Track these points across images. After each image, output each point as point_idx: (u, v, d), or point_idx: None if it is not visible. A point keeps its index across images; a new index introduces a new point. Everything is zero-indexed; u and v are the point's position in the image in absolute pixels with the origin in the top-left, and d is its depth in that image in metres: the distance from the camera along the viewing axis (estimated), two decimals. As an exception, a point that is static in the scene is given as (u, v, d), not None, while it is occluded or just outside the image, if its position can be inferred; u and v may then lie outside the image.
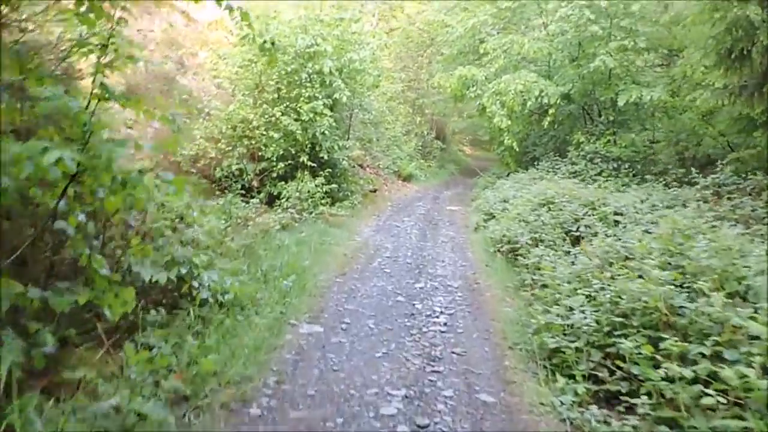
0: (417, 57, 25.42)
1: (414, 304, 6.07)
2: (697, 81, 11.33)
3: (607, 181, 12.42)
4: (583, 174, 12.90)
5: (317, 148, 11.55)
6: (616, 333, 3.99)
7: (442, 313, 5.82)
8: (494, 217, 10.27)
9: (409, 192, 17.72)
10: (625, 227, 6.66)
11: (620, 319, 4.04)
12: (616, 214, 7.10)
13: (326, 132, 11.27)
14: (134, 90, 11.04)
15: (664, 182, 11.19)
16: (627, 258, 5.33)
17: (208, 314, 4.53)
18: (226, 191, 10.86)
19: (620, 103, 12.45)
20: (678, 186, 10.91)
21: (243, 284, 5.39)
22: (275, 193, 10.88)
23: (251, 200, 9.61)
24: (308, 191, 10.38)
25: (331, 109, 12.03)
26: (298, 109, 11.03)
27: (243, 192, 10.78)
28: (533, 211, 8.46)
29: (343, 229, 10.06)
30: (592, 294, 4.64)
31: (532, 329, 4.77)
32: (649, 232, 6.05)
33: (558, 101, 13.74)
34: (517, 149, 14.26)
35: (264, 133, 10.55)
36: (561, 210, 7.74)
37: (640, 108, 13.70)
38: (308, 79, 11.37)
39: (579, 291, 4.83)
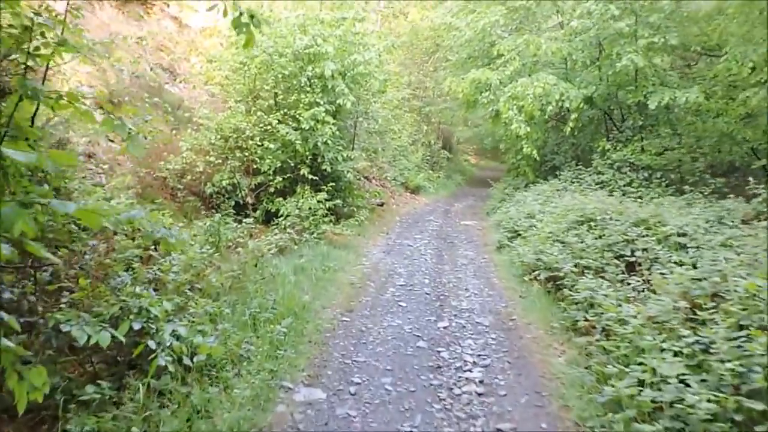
0: (422, 64, 24.38)
1: (439, 352, 4.88)
2: (739, 80, 10.18)
3: (638, 192, 11.27)
4: (611, 184, 11.72)
5: (319, 160, 10.42)
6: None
7: (475, 364, 4.63)
8: (520, 235, 9.08)
9: (418, 205, 16.56)
10: (694, 252, 5.46)
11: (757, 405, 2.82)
12: (679, 234, 5.91)
13: (329, 142, 10.14)
14: (116, 97, 9.95)
15: (701, 193, 10.03)
16: (715, 295, 4.15)
17: (169, 386, 3.35)
18: (217, 209, 9.75)
19: (651, 106, 11.27)
20: (720, 197, 9.76)
21: (224, 334, 4.23)
22: (273, 210, 9.74)
23: (246, 219, 8.45)
24: (309, 208, 9.21)
25: (334, 117, 10.91)
26: (298, 116, 9.91)
27: (236, 210, 9.66)
28: (570, 229, 7.28)
29: (349, 251, 8.89)
30: (685, 350, 3.45)
31: (603, 398, 3.57)
32: (729, 260, 4.85)
33: (581, 105, 12.58)
34: (537, 158, 13.09)
35: (259, 144, 9.41)
36: (605, 229, 6.55)
37: (670, 112, 12.55)
38: (308, 84, 10.26)
39: (664, 344, 3.64)
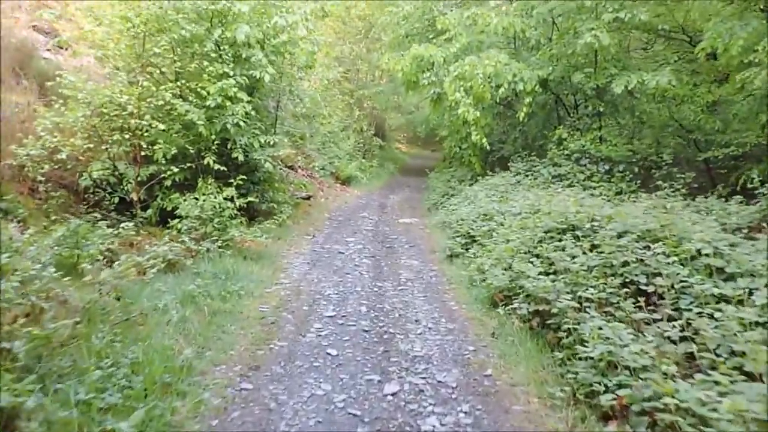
0: (355, 45, 22.44)
1: (390, 450, 3.13)
2: (725, 60, 8.94)
3: (599, 186, 9.94)
4: (569, 178, 10.35)
5: (229, 146, 8.41)
6: None
7: (447, 474, 2.90)
8: (476, 241, 7.45)
9: (350, 198, 14.74)
10: (734, 281, 3.95)
11: None
12: (701, 253, 4.39)
13: (241, 123, 8.15)
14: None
15: (672, 188, 8.82)
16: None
17: None
18: (96, 207, 7.61)
19: (617, 90, 9.89)
20: (694, 195, 8.56)
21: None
22: (170, 209, 7.68)
23: (124, 225, 6.38)
24: (214, 207, 7.21)
25: (250, 94, 8.92)
26: (201, 90, 7.87)
27: (123, 208, 7.58)
28: (545, 240, 5.69)
29: (264, 263, 6.98)
30: None
31: None
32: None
33: (535, 88, 11.11)
34: (488, 147, 11.52)
35: (149, 124, 7.29)
36: (601, 243, 4.98)
37: (633, 98, 11.30)
38: (216, 51, 8.21)
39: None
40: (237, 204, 7.67)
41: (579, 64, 11.61)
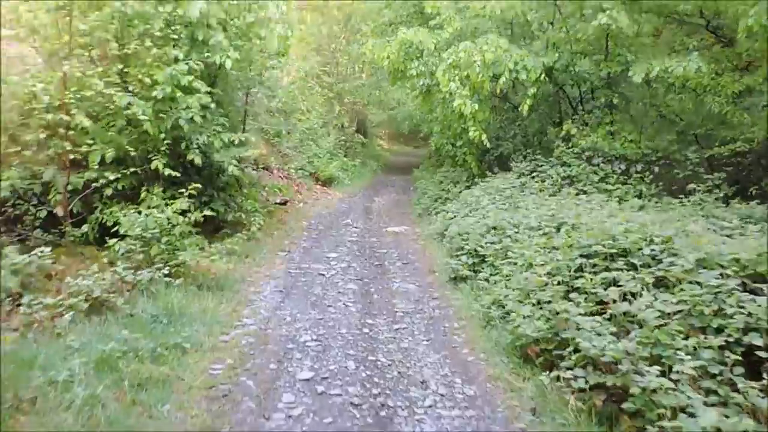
0: (333, 37, 20.96)
1: None
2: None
3: (615, 188, 8.69)
4: (581, 179, 9.07)
5: (183, 147, 6.96)
6: None
7: None
8: (485, 261, 6.10)
9: (331, 202, 13.32)
10: None
11: None
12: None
13: (198, 119, 6.70)
14: None
15: (708, 191, 7.67)
16: None
17: None
18: (17, 224, 6.17)
19: (636, 79, 8.61)
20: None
21: None
22: (110, 225, 6.22)
23: (40, 249, 4.93)
24: (161, 223, 5.76)
25: (211, 85, 7.49)
26: (147, 78, 6.41)
27: (51, 224, 6.15)
28: (586, 267, 4.37)
29: (225, 295, 5.56)
30: None
31: None
32: None
33: (541, 77, 9.80)
34: (487, 144, 10.16)
35: (75, 120, 5.80)
36: (672, 276, 3.67)
37: (651, 87, 10.04)
38: (165, 30, 6.74)
39: None
40: (193, 217, 6.23)
41: (587, 50, 10.35)
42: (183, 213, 6.07)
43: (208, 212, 6.64)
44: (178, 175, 6.70)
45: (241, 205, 8.15)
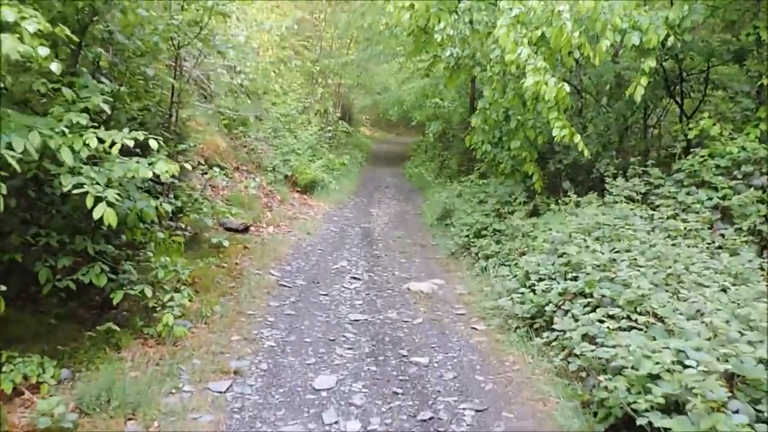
0: (315, 8, 16.89)
1: None
2: None
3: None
4: (740, 211, 5.32)
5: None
6: None
7: None
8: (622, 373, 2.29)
9: (314, 221, 9.39)
10: None
11: None
12: None
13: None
14: None
15: None
16: None
17: None
18: None
19: None
20: None
21: None
22: None
23: None
24: None
25: (79, 44, 3.51)
26: None
27: None
28: None
29: None
30: None
31: None
32: None
33: (660, 44, 5.98)
34: (585, 151, 6.17)
35: None
36: None
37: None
38: None
39: None
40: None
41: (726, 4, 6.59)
42: None
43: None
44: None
45: (147, 268, 4.16)
